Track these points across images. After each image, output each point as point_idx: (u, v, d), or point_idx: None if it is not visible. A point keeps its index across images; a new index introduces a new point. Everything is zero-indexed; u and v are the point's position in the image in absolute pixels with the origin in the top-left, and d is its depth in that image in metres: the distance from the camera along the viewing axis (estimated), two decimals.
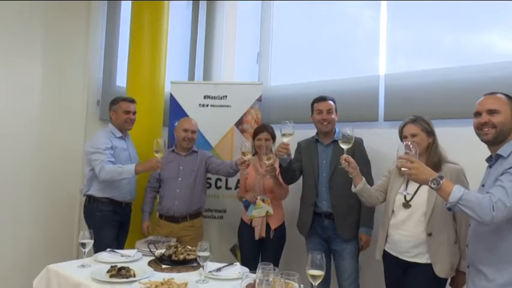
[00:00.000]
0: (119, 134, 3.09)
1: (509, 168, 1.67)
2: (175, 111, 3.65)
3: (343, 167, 2.29)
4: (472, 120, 1.90)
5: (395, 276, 2.33)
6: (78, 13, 3.85)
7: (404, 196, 2.25)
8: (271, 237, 2.93)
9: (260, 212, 2.93)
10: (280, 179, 2.87)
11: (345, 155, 2.29)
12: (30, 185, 3.54)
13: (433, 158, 2.22)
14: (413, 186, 2.20)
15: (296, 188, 3.01)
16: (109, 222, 2.98)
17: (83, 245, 2.15)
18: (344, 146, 2.28)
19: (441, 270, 2.14)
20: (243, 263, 2.41)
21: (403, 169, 1.77)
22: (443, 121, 2.74)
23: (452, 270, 2.18)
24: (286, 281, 1.56)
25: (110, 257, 2.28)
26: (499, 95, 1.84)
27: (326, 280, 2.59)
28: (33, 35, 3.53)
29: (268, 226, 2.94)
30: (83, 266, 2.13)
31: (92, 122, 3.96)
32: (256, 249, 3.00)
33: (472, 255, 1.87)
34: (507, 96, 1.84)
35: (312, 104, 2.88)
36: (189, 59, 4.46)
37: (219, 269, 2.12)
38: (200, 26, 4.50)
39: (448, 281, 2.26)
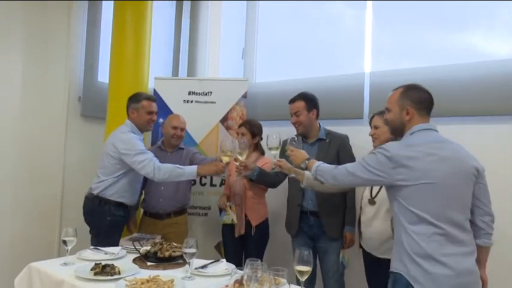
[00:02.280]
0: (142, 136, 2.92)
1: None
2: (159, 107, 3.50)
3: (276, 171, 2.47)
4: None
5: (371, 271, 2.40)
6: (59, 8, 3.74)
7: (371, 192, 2.32)
8: (253, 234, 2.93)
9: (228, 219, 2.95)
10: None
11: (275, 160, 2.41)
12: (10, 182, 3.45)
13: None
14: None
15: (281, 186, 3.01)
16: (119, 226, 2.87)
17: (66, 242, 2.09)
18: (273, 152, 2.41)
19: None
20: (226, 260, 2.39)
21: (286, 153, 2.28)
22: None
23: None
24: (275, 277, 1.56)
25: (93, 255, 2.23)
26: (393, 92, 1.97)
27: (311, 278, 2.61)
28: (13, 31, 3.43)
29: (249, 223, 2.94)
30: (65, 264, 2.08)
31: (73, 118, 3.87)
32: (238, 246, 3.00)
33: None
34: (401, 92, 1.93)
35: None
36: (173, 55, 4.42)
37: (205, 266, 2.10)
38: (184, 20, 4.46)
39: None
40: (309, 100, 2.77)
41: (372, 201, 2.30)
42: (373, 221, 2.29)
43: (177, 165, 2.70)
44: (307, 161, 2.17)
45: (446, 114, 2.72)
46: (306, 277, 1.72)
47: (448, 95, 2.76)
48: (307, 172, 2.38)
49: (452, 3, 2.88)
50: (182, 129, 3.13)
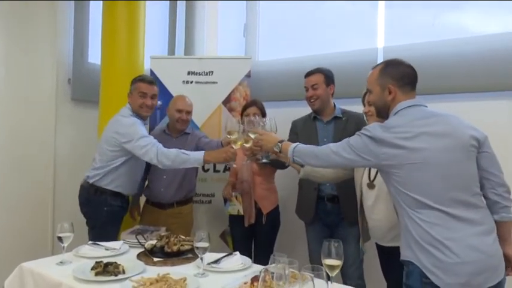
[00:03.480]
0: (143, 122, 2.69)
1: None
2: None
3: (274, 158, 2.20)
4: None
5: (385, 262, 2.22)
6: None
7: (369, 174, 2.12)
8: (264, 222, 2.74)
9: (234, 209, 2.76)
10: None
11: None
12: None
13: None
14: None
15: (289, 169, 2.81)
16: (117, 218, 2.65)
17: (62, 239, 1.87)
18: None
19: None
20: (235, 251, 2.20)
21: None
22: (442, 96, 2.66)
23: None
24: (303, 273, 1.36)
25: (92, 251, 2.03)
26: (372, 71, 1.84)
27: None
28: None
29: (260, 211, 2.74)
30: (62, 262, 1.87)
31: (62, 101, 3.63)
32: (248, 235, 2.81)
33: None
34: (380, 69, 1.80)
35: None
36: (169, 32, 4.14)
37: (217, 260, 1.91)
38: None
39: None
40: (327, 74, 2.63)
41: (371, 185, 2.09)
42: (375, 207, 2.09)
43: (182, 151, 2.46)
44: (280, 144, 1.97)
45: (461, 91, 2.62)
46: (336, 272, 1.53)
47: (463, 70, 2.63)
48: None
49: None
50: (188, 113, 2.88)
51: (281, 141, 1.97)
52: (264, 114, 2.82)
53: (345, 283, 2.31)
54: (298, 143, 1.91)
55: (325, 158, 1.78)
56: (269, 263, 1.48)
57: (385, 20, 3.06)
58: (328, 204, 2.56)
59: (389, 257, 2.10)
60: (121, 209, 2.67)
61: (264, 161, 2.29)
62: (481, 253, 1.53)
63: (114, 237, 2.49)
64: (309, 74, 2.65)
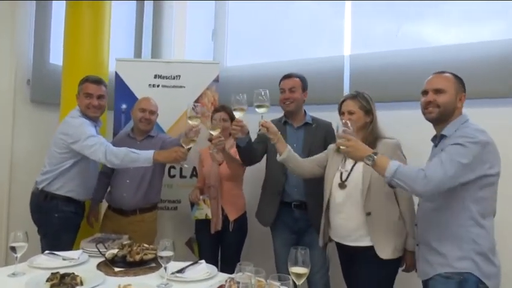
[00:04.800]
0: (97, 123, 2.64)
1: (449, 144, 1.69)
2: (121, 92, 3.27)
3: (262, 132, 2.16)
4: None
5: (345, 264, 2.23)
6: None
7: (340, 175, 2.14)
8: (231, 229, 2.70)
9: (201, 214, 2.71)
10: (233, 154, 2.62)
11: (262, 120, 2.14)
12: None
13: (369, 137, 2.12)
14: (347, 166, 2.12)
15: (258, 175, 2.80)
16: (69, 225, 2.55)
17: (15, 249, 1.76)
18: (260, 110, 2.12)
19: (383, 251, 2.02)
20: (201, 259, 2.15)
21: (341, 147, 1.79)
22: (408, 103, 2.67)
23: (398, 250, 2.06)
24: (273, 282, 1.33)
25: (48, 261, 1.92)
26: (447, 74, 1.85)
27: None
28: None
29: (226, 218, 2.71)
30: (14, 274, 1.75)
31: (21, 103, 3.46)
32: (214, 243, 2.77)
33: (422, 233, 1.87)
34: (455, 76, 1.84)
35: (279, 83, 2.68)
36: (135, 35, 4.05)
37: (182, 270, 1.85)
38: None
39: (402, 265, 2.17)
40: (303, 80, 2.66)
41: (342, 185, 2.12)
42: (344, 206, 2.11)
43: (132, 150, 2.41)
44: (374, 156, 1.72)
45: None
46: (303, 280, 1.51)
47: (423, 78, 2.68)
48: (288, 146, 2.22)
49: None
50: (151, 112, 2.82)
51: (375, 154, 1.73)
52: (232, 119, 2.79)
53: None
54: (399, 163, 1.69)
55: (440, 183, 1.63)
56: (235, 271, 1.45)
57: (351, 29, 3.11)
58: (296, 210, 2.55)
59: (352, 257, 2.14)
60: (75, 215, 2.58)
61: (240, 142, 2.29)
62: None
63: (69, 246, 2.38)
64: (287, 77, 2.65)
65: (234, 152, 2.65)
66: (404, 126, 2.39)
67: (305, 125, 2.64)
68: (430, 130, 1.93)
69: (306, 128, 2.63)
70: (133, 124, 2.92)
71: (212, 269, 1.89)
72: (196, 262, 1.95)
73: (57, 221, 2.47)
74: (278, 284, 1.26)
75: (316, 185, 2.37)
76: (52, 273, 1.67)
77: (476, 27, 2.66)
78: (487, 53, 2.56)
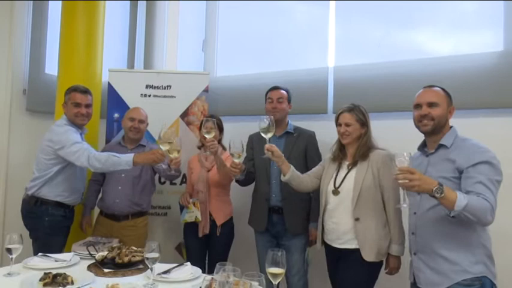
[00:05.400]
0: (82, 131, 2.76)
1: (476, 164, 1.76)
2: (114, 101, 3.38)
3: (267, 156, 2.27)
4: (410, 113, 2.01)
5: (333, 264, 2.36)
6: None
7: (334, 183, 2.28)
8: (218, 234, 2.81)
9: (191, 217, 2.80)
10: (225, 159, 2.75)
11: (267, 145, 2.26)
12: None
13: (363, 148, 2.27)
14: (341, 174, 2.28)
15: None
16: (59, 228, 2.66)
17: (10, 250, 1.87)
18: (265, 136, 2.26)
19: (368, 254, 2.17)
20: (189, 262, 2.26)
21: (401, 181, 1.69)
22: (391, 114, 2.81)
23: (381, 254, 2.20)
24: (250, 281, 1.45)
25: (41, 263, 2.02)
26: (437, 88, 1.96)
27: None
28: None
29: (214, 222, 2.81)
30: (9, 274, 1.85)
31: (17, 112, 3.58)
32: (202, 247, 2.87)
33: (425, 242, 1.92)
34: (443, 90, 1.96)
35: (266, 94, 2.85)
36: (128, 46, 4.18)
37: (168, 271, 1.96)
38: (140, 9, 4.23)
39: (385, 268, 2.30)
40: (288, 93, 2.84)
41: (335, 192, 2.27)
42: (335, 212, 2.26)
43: (113, 154, 2.54)
44: (442, 188, 1.66)
45: (407, 109, 2.73)
46: (279, 280, 1.63)
47: (410, 89, 2.77)
48: (292, 167, 2.33)
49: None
50: (141, 122, 2.94)
51: (441, 185, 1.67)
52: (221, 130, 2.92)
53: None
54: (467, 197, 1.66)
55: (495, 206, 1.71)
56: (215, 272, 1.56)
57: (335, 40, 3.22)
58: (274, 215, 2.68)
59: (339, 258, 2.27)
60: (64, 219, 2.68)
61: (238, 177, 2.46)
62: None
63: (59, 249, 2.49)
64: (275, 88, 2.81)
65: (225, 158, 2.77)
66: (386, 136, 2.44)
67: (286, 133, 2.77)
68: (412, 140, 2.05)
69: (287, 137, 2.76)
70: (123, 133, 3.03)
71: (196, 270, 1.99)
72: (181, 264, 2.06)
73: (48, 224, 2.58)
74: (251, 281, 1.38)
75: (291, 192, 2.52)
76: (45, 273, 1.76)
77: (459, 39, 2.78)
78: (471, 65, 2.66)
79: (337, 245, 2.26)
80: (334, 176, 2.31)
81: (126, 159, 2.50)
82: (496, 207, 1.70)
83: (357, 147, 2.28)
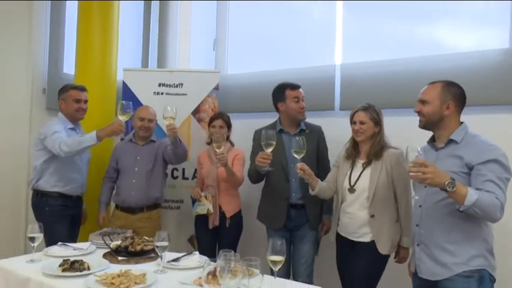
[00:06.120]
0: (70, 125, 2.93)
1: (485, 162, 1.80)
2: (128, 99, 3.39)
3: (299, 176, 2.37)
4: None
5: (345, 255, 2.47)
6: None
7: (349, 181, 2.38)
8: (227, 225, 2.93)
9: (203, 209, 2.90)
10: (234, 169, 2.85)
11: (299, 164, 2.33)
12: None
13: (376, 146, 2.37)
14: (356, 172, 2.39)
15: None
16: (60, 217, 2.83)
17: (32, 239, 2.02)
18: (298, 156, 2.31)
19: (383, 248, 2.31)
20: (200, 253, 2.38)
21: (413, 174, 1.73)
22: (396, 110, 2.84)
23: (394, 247, 2.37)
24: (248, 267, 1.55)
25: (61, 251, 2.17)
26: (437, 84, 1.99)
27: (287, 269, 2.68)
28: None
29: (223, 215, 2.93)
30: (32, 261, 2.01)
31: (37, 111, 3.75)
32: (212, 238, 2.98)
33: (429, 235, 1.98)
34: (445, 84, 1.97)
35: (282, 91, 2.79)
36: (142, 46, 4.31)
37: (177, 259, 2.08)
38: (154, 10, 4.35)
39: (393, 256, 2.44)
40: None
41: (351, 190, 2.38)
42: (351, 207, 2.38)
43: (79, 134, 2.76)
44: (454, 182, 1.69)
45: (412, 106, 2.76)
46: (279, 267, 1.73)
47: (416, 86, 2.82)
48: (319, 181, 2.42)
49: None
50: (150, 121, 3.07)
51: (453, 179, 1.70)
52: (229, 126, 3.03)
53: (294, 280, 2.54)
54: (477, 193, 1.70)
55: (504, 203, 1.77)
56: (217, 258, 1.66)
57: (342, 38, 3.29)
58: (293, 211, 2.72)
59: (353, 250, 2.39)
60: (64, 208, 2.86)
61: (267, 169, 2.46)
62: None
63: (64, 237, 2.53)
64: (299, 87, 2.80)
65: (232, 157, 2.90)
66: (393, 132, 2.50)
67: (300, 132, 2.79)
68: (420, 136, 2.09)
69: (301, 135, 2.69)
70: (134, 130, 3.17)
71: (204, 259, 2.10)
72: (190, 253, 2.18)
73: (49, 214, 2.78)
74: (244, 266, 1.48)
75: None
76: (64, 260, 1.91)
77: (466, 37, 2.82)
78: (478, 62, 2.69)
79: (352, 238, 2.39)
80: (348, 174, 2.42)
81: (90, 135, 2.70)
82: (505, 205, 1.75)
83: (370, 146, 2.39)
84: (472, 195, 1.69)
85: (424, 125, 2.01)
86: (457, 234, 1.87)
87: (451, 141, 1.94)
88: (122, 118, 2.56)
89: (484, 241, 1.87)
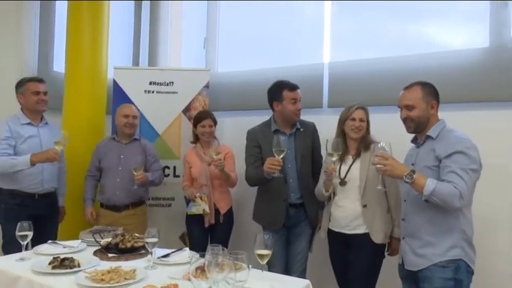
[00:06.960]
0: (26, 121, 2.85)
1: (451, 154, 1.87)
2: (119, 98, 3.52)
3: (328, 175, 2.35)
4: None
5: (340, 251, 2.51)
6: None
7: (339, 175, 2.44)
8: (221, 221, 2.97)
9: (198, 209, 2.92)
10: (229, 172, 2.89)
11: (332, 166, 2.32)
12: None
13: (366, 142, 2.47)
14: (345, 166, 2.46)
15: (241, 172, 2.97)
16: (16, 216, 2.60)
17: (22, 237, 2.03)
18: (332, 157, 2.30)
19: (377, 237, 2.38)
20: (193, 250, 2.39)
21: (378, 166, 1.91)
22: (384, 107, 2.88)
23: (387, 237, 2.44)
24: (235, 262, 1.58)
25: (51, 249, 2.19)
26: (415, 87, 2.03)
27: (283, 264, 2.71)
28: None
29: (217, 211, 2.97)
30: (22, 259, 2.02)
31: None
32: (205, 235, 3.02)
33: (412, 228, 2.04)
34: (423, 86, 2.02)
35: (280, 91, 2.72)
36: (133, 44, 4.33)
37: (167, 255, 2.11)
38: (144, 9, 4.37)
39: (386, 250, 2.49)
40: None
41: (343, 183, 2.44)
42: (344, 200, 2.44)
43: (12, 157, 2.69)
44: (413, 175, 1.84)
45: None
46: (266, 260, 1.77)
47: (404, 84, 2.85)
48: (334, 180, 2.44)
49: None
50: (135, 117, 3.09)
51: (413, 172, 1.85)
52: (215, 123, 3.05)
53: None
54: (435, 182, 1.82)
55: (468, 195, 1.84)
56: (206, 253, 1.69)
57: (330, 37, 3.33)
58: (291, 210, 2.71)
59: (347, 243, 2.44)
60: (20, 206, 2.75)
61: (277, 175, 2.44)
62: None
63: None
64: (297, 88, 2.73)
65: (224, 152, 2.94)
66: (380, 128, 2.55)
67: (296, 131, 2.75)
68: (407, 134, 2.13)
69: (296, 135, 2.74)
70: (116, 129, 3.17)
71: (194, 255, 2.13)
72: (180, 249, 2.21)
73: (4, 212, 2.74)
74: (231, 260, 1.51)
75: (308, 188, 2.68)
76: (53, 258, 1.92)
77: (455, 36, 2.87)
78: (459, 61, 2.76)
79: (346, 231, 2.44)
80: (337, 169, 2.46)
81: (23, 160, 2.66)
82: (467, 194, 1.81)
83: (360, 141, 2.48)
84: (429, 186, 1.81)
85: (414, 130, 2.05)
86: (436, 226, 1.94)
87: (428, 137, 2.02)
88: (58, 147, 2.61)
89: (461, 232, 1.92)
